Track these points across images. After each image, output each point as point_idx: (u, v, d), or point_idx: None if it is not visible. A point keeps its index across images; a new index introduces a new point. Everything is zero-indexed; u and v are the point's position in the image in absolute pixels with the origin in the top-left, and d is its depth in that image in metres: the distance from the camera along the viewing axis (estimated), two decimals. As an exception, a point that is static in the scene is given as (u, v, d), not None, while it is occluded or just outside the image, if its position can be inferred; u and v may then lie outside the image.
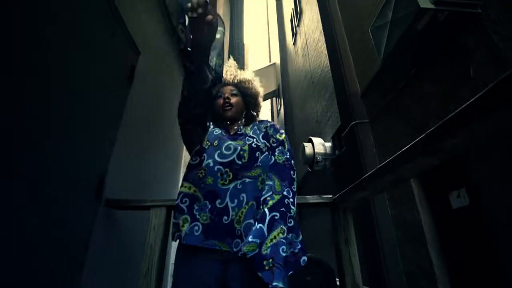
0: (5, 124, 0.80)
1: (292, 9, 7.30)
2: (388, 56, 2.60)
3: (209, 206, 0.86)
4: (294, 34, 7.36)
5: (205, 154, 0.94)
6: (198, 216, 0.86)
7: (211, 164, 0.91)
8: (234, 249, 0.82)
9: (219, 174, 0.89)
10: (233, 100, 1.08)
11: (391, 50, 2.48)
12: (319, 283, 2.23)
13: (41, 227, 0.95)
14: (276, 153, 0.99)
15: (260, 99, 1.19)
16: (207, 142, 0.98)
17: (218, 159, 0.91)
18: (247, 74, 1.17)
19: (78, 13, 1.06)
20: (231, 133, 1.04)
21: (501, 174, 1.75)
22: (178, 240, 0.86)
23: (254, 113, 1.17)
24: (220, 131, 1.03)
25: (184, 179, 0.94)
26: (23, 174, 0.87)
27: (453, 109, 0.47)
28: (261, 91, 1.20)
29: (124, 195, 1.38)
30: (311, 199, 1.30)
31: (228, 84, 1.12)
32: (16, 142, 0.84)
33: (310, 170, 4.41)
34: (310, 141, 4.33)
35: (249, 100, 1.14)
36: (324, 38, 4.57)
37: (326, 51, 4.47)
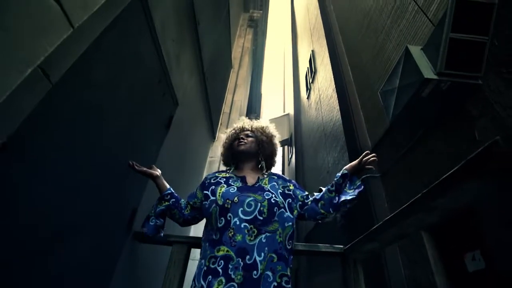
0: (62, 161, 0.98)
1: (307, 67, 7.96)
2: (397, 118, 2.80)
3: (242, 263, 0.90)
4: (308, 89, 7.89)
5: (230, 214, 1.00)
6: (233, 276, 0.88)
7: (238, 222, 0.97)
8: None
9: (246, 231, 0.95)
10: (248, 139, 1.26)
11: (399, 113, 2.69)
12: None
13: (75, 254, 1.06)
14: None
15: (275, 141, 1.36)
16: (228, 201, 1.04)
17: (243, 217, 0.98)
18: (262, 122, 1.37)
19: (138, 80, 1.33)
20: (249, 185, 1.14)
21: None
22: None
23: (269, 159, 1.32)
24: (235, 187, 1.11)
25: (219, 243, 0.97)
26: (65, 206, 1.00)
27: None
28: (276, 134, 1.37)
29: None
30: (323, 247, 1.36)
31: (245, 130, 1.32)
32: (64, 177, 1.00)
33: (320, 221, 4.37)
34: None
35: (263, 140, 1.29)
36: (336, 95, 4.93)
37: (338, 107, 4.78)
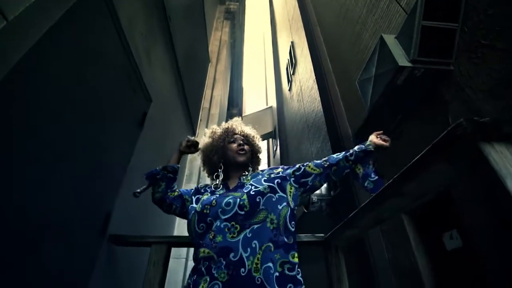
0: (25, 160, 0.92)
1: (288, 59, 7.95)
2: (374, 106, 2.85)
3: (224, 262, 0.87)
4: (289, 81, 7.91)
5: (210, 218, 0.98)
6: (216, 275, 0.86)
7: (218, 224, 0.95)
8: None
9: (226, 230, 0.92)
10: (246, 147, 1.21)
11: (376, 101, 2.74)
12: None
13: (47, 260, 1.01)
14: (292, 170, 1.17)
15: (260, 156, 1.33)
16: (207, 206, 1.01)
17: (222, 217, 0.95)
18: (252, 131, 1.32)
19: (105, 77, 1.26)
20: (231, 188, 1.11)
21: (490, 217, 1.83)
22: None
23: (254, 168, 1.29)
24: (218, 194, 1.08)
25: (200, 246, 0.96)
26: (36, 209, 0.96)
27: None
28: (261, 149, 1.34)
29: (126, 230, 1.45)
30: (304, 237, 1.37)
31: (237, 134, 1.26)
32: (32, 176, 0.95)
33: (306, 211, 4.43)
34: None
35: (255, 152, 1.27)
36: (316, 86, 4.96)
37: (319, 98, 4.82)
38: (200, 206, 1.03)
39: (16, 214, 0.85)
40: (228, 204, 0.98)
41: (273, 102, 11.15)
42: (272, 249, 0.89)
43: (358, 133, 3.60)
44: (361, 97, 3.14)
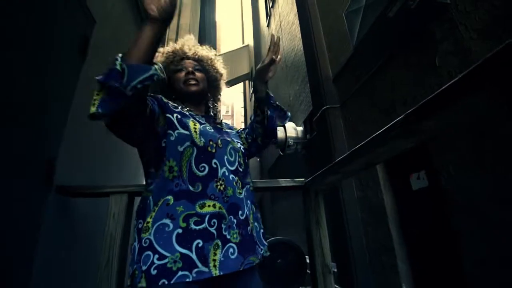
0: None
1: (267, -12, 7.08)
2: (361, 41, 2.62)
3: (235, 221, 0.77)
4: (268, 15, 7.19)
5: (215, 161, 0.79)
6: (229, 236, 0.74)
7: (226, 173, 0.80)
8: (260, 257, 0.82)
9: (234, 183, 0.81)
10: (198, 75, 0.95)
11: (364, 35, 2.50)
12: (290, 264, 2.30)
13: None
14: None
15: (223, 82, 1.08)
16: (212, 143, 0.80)
17: (230, 167, 0.82)
18: (209, 52, 1.05)
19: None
20: (217, 125, 0.93)
21: (459, 158, 1.87)
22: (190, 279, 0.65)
23: (215, 98, 1.07)
24: (208, 125, 0.87)
25: (202, 197, 0.74)
26: None
27: (419, 96, 0.45)
28: (225, 73, 1.08)
29: (80, 181, 1.25)
30: (284, 182, 1.28)
31: (189, 58, 0.98)
32: None
33: (282, 153, 4.46)
34: (282, 125, 4.35)
35: (212, 80, 1.03)
36: (298, 21, 4.50)
37: (300, 35, 4.42)
38: (202, 139, 0.78)
39: None
40: (231, 154, 0.86)
41: (250, 41, 10.34)
42: (255, 209, 0.89)
43: (339, 74, 3.42)
44: (347, 33, 2.86)
